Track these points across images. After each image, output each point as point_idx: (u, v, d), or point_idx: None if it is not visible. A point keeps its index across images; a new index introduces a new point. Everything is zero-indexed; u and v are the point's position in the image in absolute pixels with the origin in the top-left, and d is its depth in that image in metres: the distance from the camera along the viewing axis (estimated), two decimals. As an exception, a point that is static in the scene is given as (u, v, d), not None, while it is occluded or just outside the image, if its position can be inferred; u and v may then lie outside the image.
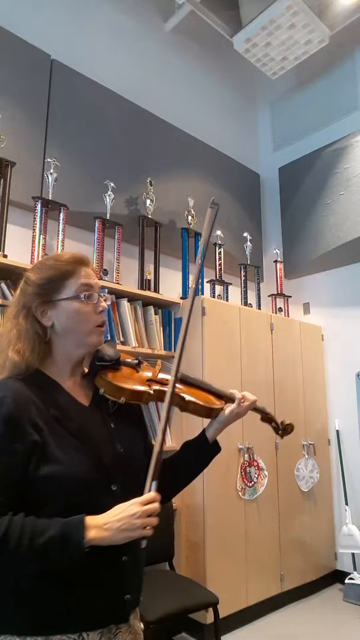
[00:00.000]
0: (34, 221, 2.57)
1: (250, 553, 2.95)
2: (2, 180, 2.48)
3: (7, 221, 2.46)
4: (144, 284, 3.03)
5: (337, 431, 3.68)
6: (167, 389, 1.05)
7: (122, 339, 2.76)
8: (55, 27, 3.04)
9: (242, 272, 3.74)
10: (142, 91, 3.48)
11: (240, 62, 3.83)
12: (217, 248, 3.54)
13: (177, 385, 1.13)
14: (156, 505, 0.92)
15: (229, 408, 1.18)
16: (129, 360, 1.16)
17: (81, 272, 1.07)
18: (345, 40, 3.79)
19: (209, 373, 2.85)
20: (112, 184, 2.99)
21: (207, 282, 3.49)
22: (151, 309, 2.95)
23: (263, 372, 3.27)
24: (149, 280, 3.08)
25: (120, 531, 0.88)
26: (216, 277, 3.51)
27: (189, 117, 3.81)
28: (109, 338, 2.62)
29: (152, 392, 1.08)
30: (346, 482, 3.57)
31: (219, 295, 3.49)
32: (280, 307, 3.93)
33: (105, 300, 1.10)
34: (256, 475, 3.07)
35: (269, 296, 3.97)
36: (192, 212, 3.45)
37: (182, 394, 1.14)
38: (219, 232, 3.59)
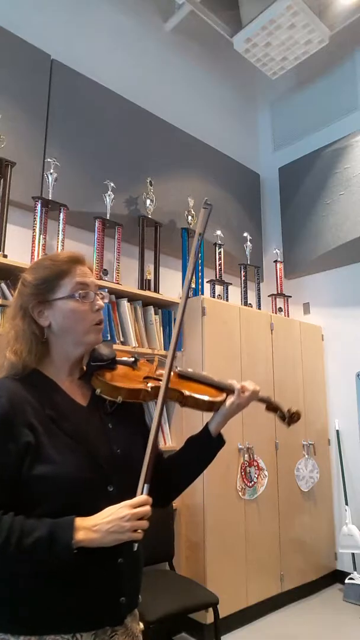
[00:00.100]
0: (34, 221, 2.57)
1: (250, 553, 2.95)
2: (2, 180, 2.48)
3: (7, 221, 2.46)
4: (144, 284, 3.03)
5: (337, 431, 3.68)
6: (161, 386, 1.04)
7: (122, 339, 2.76)
8: (55, 27, 3.04)
9: (242, 272, 3.74)
10: (142, 91, 3.48)
11: (240, 62, 3.83)
12: (217, 248, 3.54)
13: (175, 380, 1.13)
14: (147, 508, 0.91)
15: (229, 400, 1.15)
16: (125, 358, 1.14)
17: (76, 270, 1.06)
18: (345, 40, 3.79)
19: (209, 373, 2.84)
20: (112, 184, 2.99)
21: (207, 282, 3.49)
22: (151, 309, 2.95)
23: (263, 372, 3.27)
24: (149, 280, 3.08)
25: (109, 533, 0.88)
26: (216, 277, 3.51)
27: (189, 117, 3.81)
28: (108, 338, 2.62)
29: (149, 389, 1.06)
30: (346, 482, 3.57)
31: (219, 295, 3.49)
32: (280, 307, 3.93)
33: (102, 299, 1.10)
34: (256, 475, 3.07)
35: (269, 296, 3.97)
36: (192, 212, 3.46)
37: (180, 389, 1.12)
38: (219, 232, 3.59)
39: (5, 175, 2.48)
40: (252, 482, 3.03)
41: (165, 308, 3.08)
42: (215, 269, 3.53)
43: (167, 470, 1.15)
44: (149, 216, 3.17)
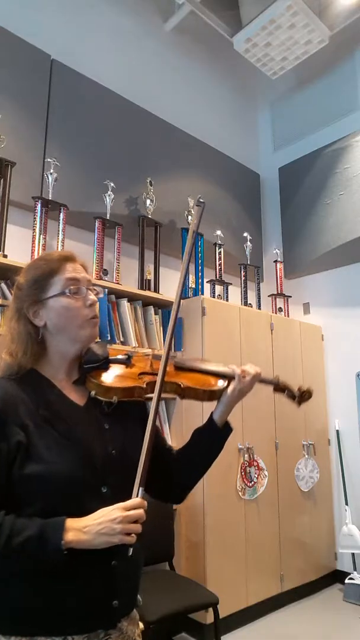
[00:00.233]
0: (34, 221, 2.57)
1: (250, 553, 2.95)
2: (2, 180, 2.48)
3: (7, 221, 2.46)
4: (144, 284, 3.03)
5: (337, 431, 3.68)
6: (156, 388, 1.01)
7: (122, 339, 2.76)
8: (55, 27, 3.04)
9: (242, 272, 3.74)
10: (142, 91, 3.48)
11: (240, 62, 3.83)
12: (217, 248, 3.54)
13: (172, 372, 1.10)
14: (140, 512, 0.89)
15: (230, 387, 1.11)
16: (119, 356, 1.12)
17: (66, 267, 1.06)
18: (345, 40, 3.79)
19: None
20: (112, 184, 2.99)
21: (207, 282, 3.49)
22: (151, 309, 2.95)
23: (263, 372, 3.26)
24: (149, 280, 3.08)
25: (100, 535, 0.86)
26: (216, 277, 3.51)
27: (189, 117, 3.81)
28: (108, 338, 2.62)
29: (143, 385, 1.04)
30: (346, 482, 3.57)
31: (219, 295, 3.49)
32: (280, 307, 3.93)
33: (97, 294, 1.10)
34: (256, 475, 3.07)
35: (269, 296, 3.97)
36: (192, 212, 3.46)
37: (177, 382, 1.08)
38: (219, 232, 3.60)
39: (5, 175, 2.48)
40: (252, 482, 3.03)
41: (165, 308, 3.08)
42: (215, 269, 3.53)
43: (176, 465, 1.13)
44: (149, 216, 3.17)
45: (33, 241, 2.55)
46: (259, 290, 3.84)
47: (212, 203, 3.86)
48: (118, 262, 2.92)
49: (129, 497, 0.91)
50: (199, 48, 4.01)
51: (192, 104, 3.93)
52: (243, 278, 3.73)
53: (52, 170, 2.70)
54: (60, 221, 2.67)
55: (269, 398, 3.27)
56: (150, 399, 1.05)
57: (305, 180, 4.09)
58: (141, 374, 1.08)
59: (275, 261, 3.96)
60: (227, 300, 3.49)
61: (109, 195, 2.97)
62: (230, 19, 3.60)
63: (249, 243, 3.85)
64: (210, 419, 1.14)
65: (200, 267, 3.40)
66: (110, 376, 1.05)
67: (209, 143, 3.94)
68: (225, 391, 1.12)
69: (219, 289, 3.50)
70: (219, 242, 3.56)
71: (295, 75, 4.21)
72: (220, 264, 3.53)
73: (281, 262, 3.99)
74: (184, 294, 3.31)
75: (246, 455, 3.03)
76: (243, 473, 2.98)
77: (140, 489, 0.91)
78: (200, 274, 3.40)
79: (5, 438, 0.92)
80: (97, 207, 2.95)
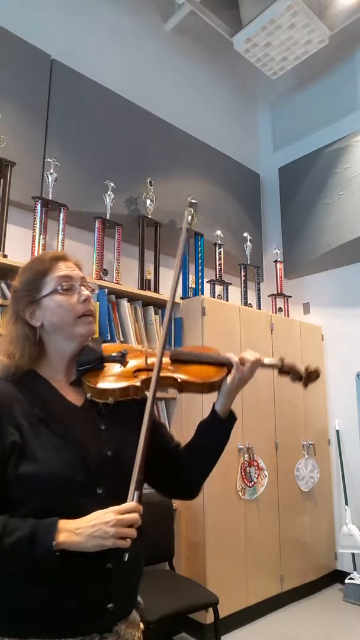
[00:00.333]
0: (34, 221, 2.57)
1: (250, 553, 2.95)
2: (2, 180, 2.48)
3: (7, 221, 2.46)
4: (144, 284, 3.03)
5: (337, 431, 3.68)
6: (150, 390, 0.98)
7: (122, 339, 2.76)
8: (55, 27, 3.04)
9: (242, 272, 3.74)
10: (142, 91, 3.48)
11: (240, 62, 3.83)
12: (217, 248, 3.54)
13: (168, 366, 1.08)
14: (135, 516, 0.87)
15: (230, 376, 1.08)
16: (114, 354, 1.09)
17: (58, 266, 1.07)
18: (345, 40, 3.79)
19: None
20: (112, 184, 2.99)
21: (207, 282, 3.49)
22: (151, 309, 2.95)
23: (263, 372, 3.25)
24: (149, 280, 3.08)
25: (92, 538, 0.85)
26: (216, 277, 3.51)
27: (189, 117, 3.81)
28: (108, 338, 2.62)
29: (138, 384, 1.02)
30: (346, 482, 3.57)
31: (219, 295, 3.49)
32: (280, 307, 3.93)
33: (92, 291, 1.10)
34: (256, 475, 3.07)
35: (269, 296, 3.97)
36: (192, 212, 3.45)
37: (174, 376, 1.05)
38: (219, 232, 3.60)
39: (5, 175, 2.48)
40: (252, 482, 3.03)
41: (165, 308, 3.07)
42: (215, 269, 3.53)
43: (183, 461, 1.12)
44: (149, 216, 3.17)
45: (33, 241, 2.55)
46: (259, 290, 3.84)
47: (212, 203, 3.86)
48: (118, 262, 2.92)
49: (125, 499, 0.90)
50: (199, 48, 4.01)
51: (192, 104, 3.93)
52: (243, 278, 3.73)
53: (52, 170, 2.70)
54: (60, 221, 2.67)
55: (269, 398, 3.27)
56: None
57: (305, 180, 4.09)
58: (136, 371, 1.06)
59: (275, 261, 3.96)
60: (227, 300, 3.49)
61: (109, 195, 2.97)
62: (230, 19, 3.60)
63: (249, 243, 3.85)
64: (213, 410, 1.11)
65: (200, 267, 3.40)
66: (105, 377, 1.04)
67: (209, 143, 3.94)
68: (225, 381, 1.08)
69: (219, 289, 3.50)
70: (219, 242, 3.56)
71: (295, 75, 4.21)
72: (220, 264, 3.53)
73: (281, 262, 3.99)
74: (183, 294, 3.32)
75: (246, 455, 3.03)
76: (243, 473, 2.99)
77: (136, 492, 0.90)
78: (200, 274, 3.40)
79: (0, 438, 0.92)
80: (97, 207, 2.95)
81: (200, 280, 3.38)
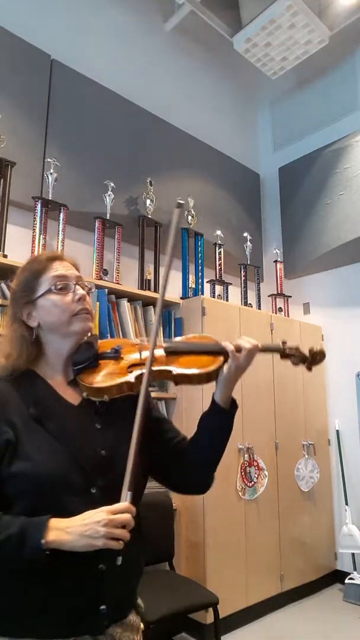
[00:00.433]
0: (34, 221, 2.57)
1: (250, 553, 2.95)
2: (2, 180, 2.48)
3: (7, 221, 2.46)
4: (144, 284, 3.03)
5: (337, 431, 3.68)
6: (142, 387, 0.96)
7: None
8: (55, 27, 3.04)
9: (242, 272, 3.74)
10: (142, 91, 3.48)
11: (240, 62, 3.83)
12: (217, 248, 3.54)
13: (162, 359, 1.06)
14: (126, 517, 0.86)
15: (226, 365, 1.06)
16: (108, 351, 1.08)
17: (53, 266, 1.08)
18: (345, 40, 3.79)
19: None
20: (112, 184, 2.99)
21: (207, 282, 3.49)
22: (151, 309, 2.95)
23: (263, 372, 3.27)
24: (149, 280, 3.08)
25: (82, 537, 0.84)
26: (216, 277, 3.51)
27: (189, 117, 3.81)
28: (108, 337, 2.62)
29: (132, 380, 1.00)
30: (346, 482, 3.57)
31: (219, 295, 3.49)
32: (280, 307, 3.93)
33: (89, 290, 1.10)
34: (256, 475, 3.07)
35: (269, 296, 3.97)
36: (192, 212, 3.45)
37: (168, 368, 1.03)
38: (219, 232, 3.60)
39: (5, 175, 2.48)
40: (252, 482, 3.03)
41: (165, 308, 3.08)
42: (215, 269, 3.53)
43: (190, 455, 1.10)
44: (149, 216, 3.17)
45: (33, 241, 2.55)
46: (259, 290, 3.84)
47: (212, 203, 3.86)
48: (118, 262, 2.92)
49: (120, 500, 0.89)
50: (199, 48, 4.01)
51: (192, 103, 3.93)
52: (243, 278, 3.73)
53: (52, 170, 2.70)
54: (60, 221, 2.67)
55: (269, 398, 3.27)
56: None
57: (305, 180, 4.09)
58: (131, 366, 1.04)
59: (275, 261, 3.96)
60: (227, 300, 3.49)
61: (109, 195, 2.97)
62: (230, 19, 3.60)
63: (249, 243, 3.85)
64: (213, 400, 1.09)
65: (200, 267, 3.40)
66: (99, 375, 1.03)
67: (209, 143, 3.94)
68: (221, 370, 1.06)
69: (219, 289, 3.50)
70: (219, 242, 3.56)
71: (295, 75, 4.21)
72: (220, 264, 3.53)
73: (281, 262, 3.99)
74: (183, 294, 3.32)
75: (246, 455, 3.03)
76: (243, 473, 2.98)
77: (129, 493, 0.88)
78: (200, 274, 3.40)
79: None
80: (97, 207, 2.95)
81: (200, 280, 3.38)
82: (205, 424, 1.10)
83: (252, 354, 1.06)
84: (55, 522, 0.86)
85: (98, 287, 2.68)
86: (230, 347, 1.06)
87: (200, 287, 3.36)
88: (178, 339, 1.19)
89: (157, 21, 3.78)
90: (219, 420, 1.09)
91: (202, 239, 3.45)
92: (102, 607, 0.92)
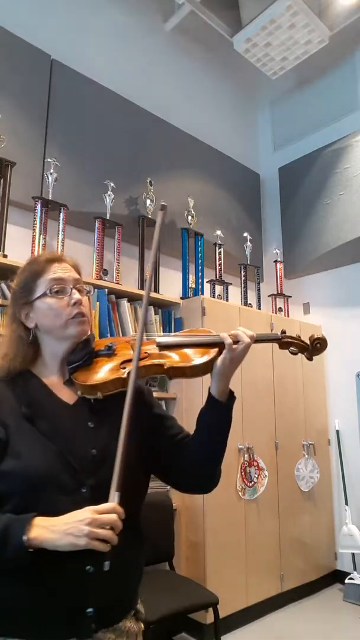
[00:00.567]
0: (34, 221, 2.57)
1: (250, 553, 2.95)
2: (2, 180, 2.48)
3: (7, 221, 2.46)
4: (144, 284, 3.03)
5: (337, 431, 3.68)
6: (131, 379, 0.95)
7: (122, 339, 2.75)
8: (55, 27, 3.04)
9: (242, 272, 3.74)
10: (142, 91, 3.48)
11: (240, 62, 3.83)
12: (217, 248, 3.54)
13: (154, 353, 1.06)
14: (113, 517, 0.84)
15: (220, 357, 1.03)
16: (102, 349, 1.08)
17: (51, 268, 1.08)
18: (345, 40, 3.79)
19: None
20: (112, 184, 2.99)
21: (207, 282, 3.49)
22: (151, 309, 2.95)
23: (263, 372, 3.27)
24: (149, 280, 3.07)
25: (65, 535, 0.82)
26: (216, 277, 3.51)
27: (189, 117, 3.81)
28: (108, 336, 2.62)
29: (125, 376, 0.99)
30: (346, 482, 3.57)
31: (219, 295, 3.49)
32: (280, 307, 3.93)
33: (87, 293, 1.10)
34: (256, 475, 3.07)
35: (269, 296, 3.97)
36: (192, 212, 3.45)
37: (159, 363, 1.02)
38: (219, 232, 3.60)
39: (5, 175, 2.48)
40: (252, 482, 3.03)
41: (165, 308, 3.08)
42: (215, 269, 3.53)
43: (192, 452, 1.09)
44: (149, 216, 3.17)
45: (33, 241, 2.55)
46: (259, 290, 3.84)
47: (212, 203, 3.86)
48: (118, 262, 2.92)
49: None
50: (199, 48, 4.01)
51: (192, 103, 3.93)
52: (243, 278, 3.73)
53: (52, 170, 2.70)
54: (60, 221, 2.67)
55: (269, 399, 3.27)
56: (140, 385, 1.01)
57: (305, 180, 4.09)
58: (123, 362, 1.04)
59: (275, 261, 3.96)
60: (227, 300, 3.49)
61: (109, 195, 2.97)
62: (230, 19, 3.60)
63: (249, 243, 3.85)
64: (209, 394, 1.08)
65: (200, 267, 3.40)
66: (92, 372, 1.03)
67: (209, 143, 3.94)
68: (215, 362, 1.04)
69: (219, 289, 3.50)
70: (219, 242, 3.56)
71: (295, 75, 4.21)
72: (220, 264, 3.53)
73: (281, 262, 3.99)
74: (183, 294, 3.32)
75: (246, 455, 3.03)
76: (243, 473, 2.98)
77: (116, 494, 0.86)
78: (200, 274, 3.40)
79: None
80: (97, 207, 2.95)
81: (200, 280, 3.38)
82: (203, 419, 1.09)
83: (248, 346, 1.05)
84: (39, 520, 0.86)
85: (98, 287, 2.68)
86: (228, 339, 1.04)
87: (200, 287, 3.37)
88: (174, 333, 1.18)
89: (157, 21, 3.78)
90: (217, 413, 1.07)
91: (202, 239, 3.45)
92: (89, 609, 0.90)
